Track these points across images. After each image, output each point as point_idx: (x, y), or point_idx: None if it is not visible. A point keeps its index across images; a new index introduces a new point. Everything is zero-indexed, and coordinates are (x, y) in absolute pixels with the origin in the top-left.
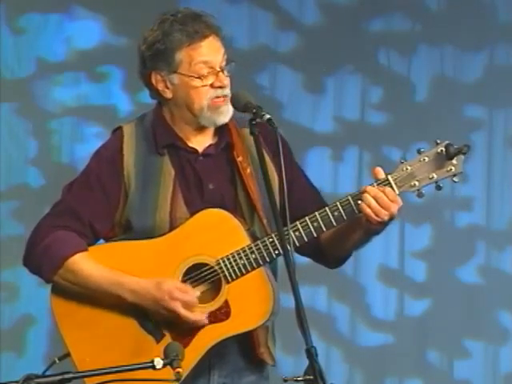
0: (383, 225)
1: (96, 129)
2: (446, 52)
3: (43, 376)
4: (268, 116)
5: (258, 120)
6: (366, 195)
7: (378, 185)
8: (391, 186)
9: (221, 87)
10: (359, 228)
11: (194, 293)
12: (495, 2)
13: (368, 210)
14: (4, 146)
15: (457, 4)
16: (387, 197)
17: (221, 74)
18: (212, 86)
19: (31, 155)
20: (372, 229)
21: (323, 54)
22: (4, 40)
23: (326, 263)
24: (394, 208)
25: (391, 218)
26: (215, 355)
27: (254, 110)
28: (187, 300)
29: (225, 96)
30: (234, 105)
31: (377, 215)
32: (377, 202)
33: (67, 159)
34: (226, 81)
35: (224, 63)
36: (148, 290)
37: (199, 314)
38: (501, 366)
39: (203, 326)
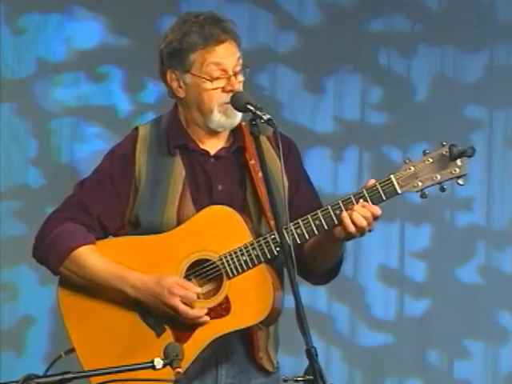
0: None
1: (96, 129)
2: (446, 52)
3: (43, 376)
4: (268, 116)
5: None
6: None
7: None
8: (393, 186)
9: (232, 91)
10: (331, 240)
11: (194, 289)
12: (495, 2)
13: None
14: (4, 146)
15: (457, 4)
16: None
17: (233, 78)
18: (223, 89)
19: (31, 155)
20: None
21: (323, 54)
22: (4, 40)
23: (311, 279)
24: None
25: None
26: (221, 352)
27: (254, 110)
28: (187, 295)
29: None
30: (233, 105)
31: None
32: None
33: (67, 159)
34: (238, 85)
35: (238, 68)
36: (149, 286)
37: (198, 310)
38: (501, 366)
39: (203, 322)
